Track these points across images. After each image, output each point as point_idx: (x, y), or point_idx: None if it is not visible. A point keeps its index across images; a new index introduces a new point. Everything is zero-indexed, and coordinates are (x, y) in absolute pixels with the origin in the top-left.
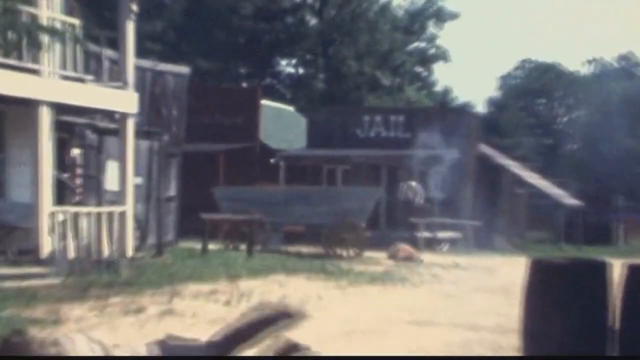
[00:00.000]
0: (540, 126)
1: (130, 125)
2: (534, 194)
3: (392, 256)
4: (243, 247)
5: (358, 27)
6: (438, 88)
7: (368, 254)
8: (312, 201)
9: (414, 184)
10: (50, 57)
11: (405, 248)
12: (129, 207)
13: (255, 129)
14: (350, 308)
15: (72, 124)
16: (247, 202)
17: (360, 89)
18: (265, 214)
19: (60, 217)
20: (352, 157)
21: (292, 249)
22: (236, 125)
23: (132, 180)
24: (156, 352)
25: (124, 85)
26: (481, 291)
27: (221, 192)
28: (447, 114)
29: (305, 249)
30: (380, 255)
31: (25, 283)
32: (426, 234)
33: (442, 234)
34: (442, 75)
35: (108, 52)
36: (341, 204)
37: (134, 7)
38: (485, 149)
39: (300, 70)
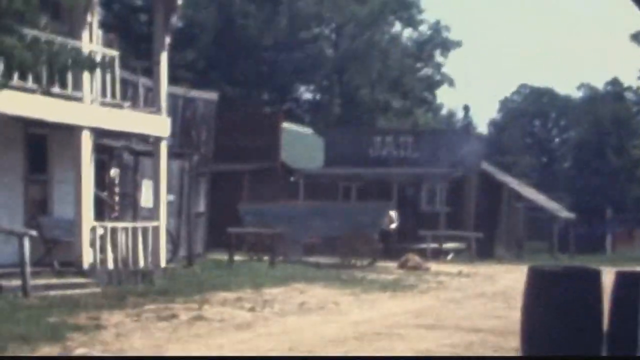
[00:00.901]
0: (537, 145)
1: (163, 147)
2: (531, 207)
3: (402, 265)
4: (266, 258)
5: (371, 56)
6: (443, 111)
7: (380, 263)
8: (329, 215)
9: (392, 213)
10: (91, 85)
11: (413, 258)
12: (162, 222)
13: (277, 150)
14: (364, 312)
15: (110, 146)
16: (269, 217)
17: (372, 112)
18: (286, 228)
19: (100, 232)
20: (365, 175)
21: (311, 259)
22: (259, 146)
23: (165, 197)
24: None
25: (158, 110)
26: (483, 297)
27: (245, 208)
28: (451, 134)
29: (322, 259)
30: (391, 264)
31: (68, 292)
32: (433, 245)
33: (447, 245)
34: (447, 99)
35: (143, 80)
36: (355, 218)
37: (168, 40)
38: (487, 166)
39: (318, 96)
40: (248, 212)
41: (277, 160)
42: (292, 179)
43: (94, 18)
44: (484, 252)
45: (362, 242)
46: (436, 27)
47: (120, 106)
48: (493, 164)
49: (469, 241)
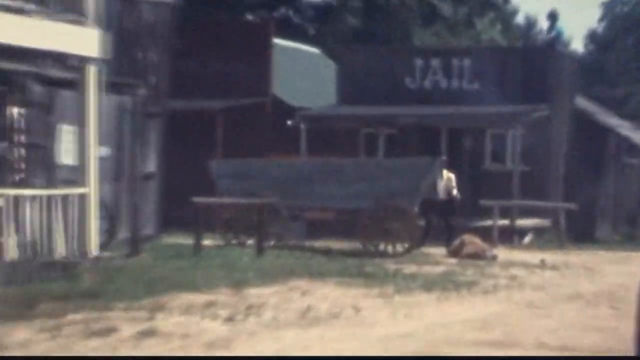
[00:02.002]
0: None
1: (92, 75)
2: None
3: (455, 252)
4: (251, 242)
5: None
6: (519, 19)
7: (422, 249)
8: (346, 178)
9: (450, 175)
10: None
11: (472, 241)
12: (92, 188)
13: (267, 79)
14: (399, 323)
15: (9, 72)
16: (255, 180)
17: (408, 23)
18: (281, 196)
19: None
20: (399, 118)
21: (318, 243)
22: (240, 73)
23: (96, 151)
24: None
25: (82, 18)
26: (578, 299)
27: (220, 166)
28: (530, 54)
29: (336, 244)
30: (439, 251)
31: None
32: (501, 222)
33: (523, 222)
34: (524, 3)
35: None
36: (385, 182)
37: None
38: (584, 103)
39: None
40: (224, 173)
41: (266, 94)
42: (289, 122)
43: None
44: (580, 232)
45: (395, 218)
46: None
47: (21, 11)
48: (593, 98)
49: (556, 216)
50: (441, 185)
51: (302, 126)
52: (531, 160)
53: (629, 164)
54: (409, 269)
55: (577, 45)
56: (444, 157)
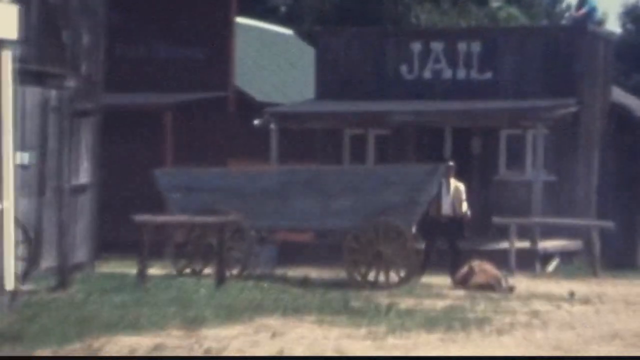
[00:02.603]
0: None
1: (7, 62)
2: None
3: (463, 282)
4: (209, 270)
5: None
6: None
7: (422, 279)
8: (327, 191)
9: (459, 185)
10: None
11: (484, 268)
12: (8, 204)
13: (227, 68)
14: None
15: None
16: (214, 194)
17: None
18: (247, 214)
19: None
20: (393, 115)
21: (293, 272)
22: (195, 60)
23: (12, 157)
24: None
25: None
26: (615, 340)
27: (169, 177)
28: (555, 35)
29: (315, 273)
30: (443, 281)
31: None
32: (520, 244)
33: (547, 244)
34: None
35: None
36: (376, 195)
37: None
38: (621, 95)
39: None
40: (174, 186)
41: (227, 87)
42: (256, 122)
43: None
44: (617, 256)
45: (388, 240)
46: None
47: None
48: (632, 89)
49: (588, 236)
50: (447, 199)
51: (273, 126)
52: (557, 168)
53: None
54: (406, 303)
55: (613, 24)
56: (451, 163)
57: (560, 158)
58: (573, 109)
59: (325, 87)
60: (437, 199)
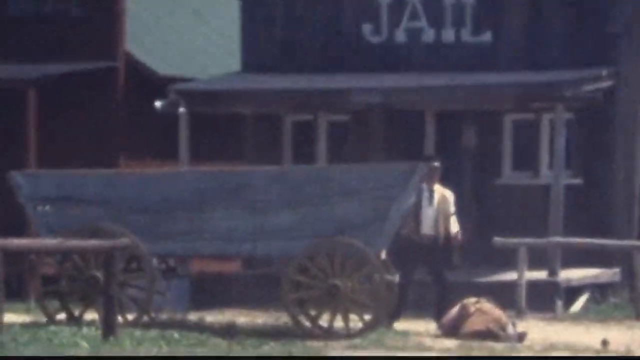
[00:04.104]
0: None
1: None
2: None
3: (453, 328)
4: (93, 316)
5: None
6: None
7: (395, 324)
8: (261, 201)
9: (446, 193)
10: None
11: (482, 309)
12: None
13: (116, 30)
14: None
15: None
16: (97, 206)
17: None
18: (145, 235)
19: None
20: (353, 94)
21: (213, 316)
22: (71, 18)
23: None
24: None
25: None
26: None
27: (33, 181)
28: None
29: (244, 316)
30: (425, 326)
31: None
32: (533, 275)
33: (571, 274)
34: None
35: None
36: (330, 207)
37: None
38: None
39: None
40: (40, 194)
41: (116, 55)
42: (158, 104)
43: None
44: None
45: (349, 271)
46: None
47: None
48: None
49: (629, 264)
50: (429, 213)
51: (182, 110)
52: (584, 167)
53: None
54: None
55: None
56: (436, 163)
57: (589, 153)
58: (607, 84)
59: (256, 56)
60: (416, 212)
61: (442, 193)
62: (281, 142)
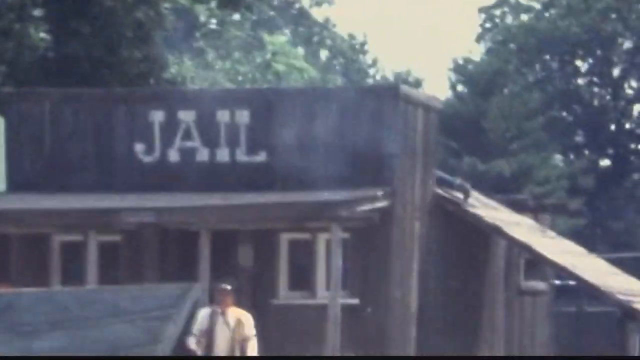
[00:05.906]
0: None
1: None
2: None
3: None
4: None
5: None
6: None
7: None
8: (26, 323)
9: (244, 316)
10: None
11: None
12: None
13: None
14: None
15: None
16: None
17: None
18: None
19: None
20: (123, 214)
21: None
22: None
23: None
24: None
25: None
26: None
27: None
28: (353, 101)
29: None
30: None
31: None
32: None
33: None
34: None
35: None
36: (100, 330)
37: None
38: (445, 186)
39: None
40: None
41: None
42: None
43: None
44: None
45: None
46: None
47: None
48: (464, 172)
49: None
50: (223, 336)
51: None
52: (360, 287)
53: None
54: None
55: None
56: (227, 286)
57: (365, 273)
58: (382, 204)
59: (22, 175)
60: (209, 336)
61: (238, 317)
62: (50, 263)
